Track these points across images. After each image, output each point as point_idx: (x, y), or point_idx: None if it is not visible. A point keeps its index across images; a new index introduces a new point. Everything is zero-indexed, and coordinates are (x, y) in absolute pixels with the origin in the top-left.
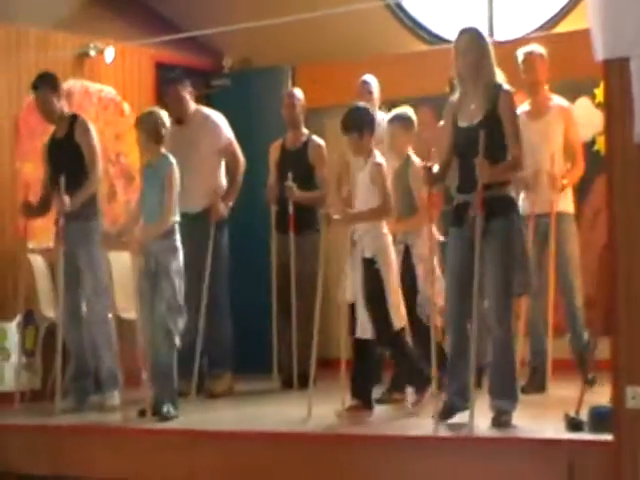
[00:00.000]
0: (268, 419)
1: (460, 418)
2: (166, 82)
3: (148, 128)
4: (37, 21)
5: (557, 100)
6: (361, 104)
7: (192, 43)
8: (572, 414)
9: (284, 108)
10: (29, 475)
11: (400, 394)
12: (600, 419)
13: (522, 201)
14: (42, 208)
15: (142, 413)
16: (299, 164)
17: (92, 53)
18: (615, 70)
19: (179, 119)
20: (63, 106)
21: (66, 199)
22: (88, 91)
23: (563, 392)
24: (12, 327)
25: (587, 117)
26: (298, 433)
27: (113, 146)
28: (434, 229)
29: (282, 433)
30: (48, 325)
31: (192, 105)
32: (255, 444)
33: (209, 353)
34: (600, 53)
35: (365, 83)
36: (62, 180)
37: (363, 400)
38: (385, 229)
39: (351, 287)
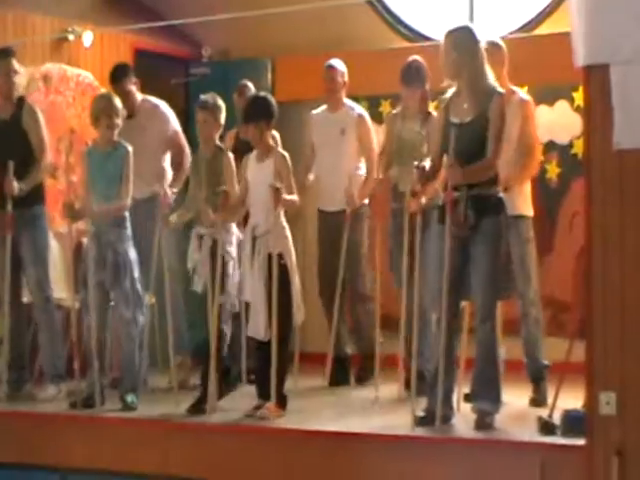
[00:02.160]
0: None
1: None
2: (111, 80)
3: (116, 113)
4: (15, 3)
5: (519, 94)
6: (262, 93)
7: (172, 31)
8: (545, 417)
9: (236, 100)
10: None
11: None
12: (573, 423)
13: None
14: None
15: (73, 405)
16: None
17: (71, 37)
18: (595, 77)
19: (128, 114)
20: (14, 85)
21: (15, 184)
22: (66, 75)
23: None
24: None
25: (565, 121)
26: (271, 428)
27: (90, 131)
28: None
29: (256, 427)
30: None
31: (139, 96)
32: (227, 437)
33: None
34: (581, 59)
35: (329, 68)
36: (10, 165)
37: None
38: (287, 225)
39: (249, 285)
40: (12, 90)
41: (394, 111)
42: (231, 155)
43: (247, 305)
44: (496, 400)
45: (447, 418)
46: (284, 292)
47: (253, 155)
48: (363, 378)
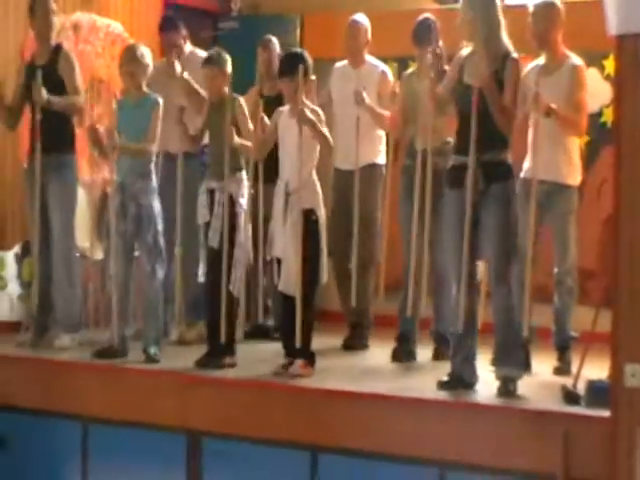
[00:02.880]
0: (247, 368)
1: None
2: (161, 30)
3: (136, 63)
4: None
5: (572, 59)
6: (298, 49)
7: None
8: (569, 387)
9: (260, 54)
10: (19, 407)
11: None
12: (598, 394)
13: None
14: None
15: (96, 354)
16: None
17: None
18: (628, 46)
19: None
20: (52, 26)
21: (43, 92)
22: (95, 25)
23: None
24: (10, 256)
25: (595, 88)
26: (292, 386)
27: (118, 82)
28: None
29: (275, 383)
30: None
31: (187, 47)
32: (247, 391)
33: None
34: (613, 27)
35: (353, 23)
36: (39, 74)
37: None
38: (317, 181)
39: (281, 241)
40: (50, 32)
41: (409, 71)
42: (242, 99)
43: (272, 261)
44: (519, 365)
45: (471, 384)
46: (315, 247)
47: (285, 110)
48: (352, 345)
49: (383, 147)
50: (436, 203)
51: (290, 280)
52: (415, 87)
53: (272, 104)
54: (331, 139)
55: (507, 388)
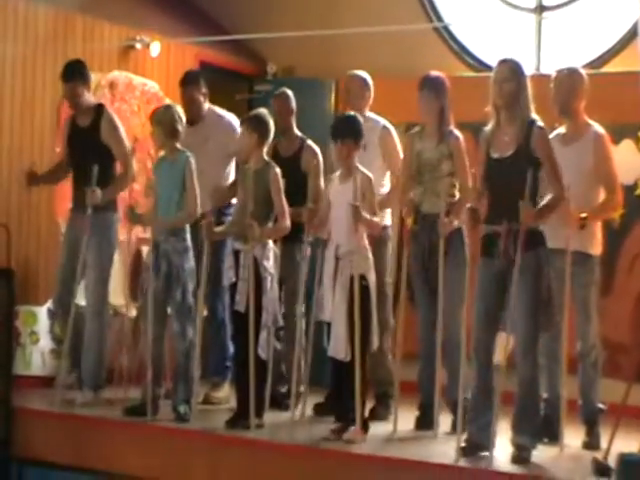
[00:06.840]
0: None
1: None
2: (181, 84)
3: (164, 123)
4: (83, 9)
5: (594, 127)
6: (351, 113)
7: (237, 46)
8: (601, 459)
9: (274, 111)
10: (50, 463)
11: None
12: (629, 467)
13: None
14: (50, 178)
15: (126, 412)
16: (293, 172)
17: (138, 46)
18: None
19: (192, 121)
20: (90, 97)
21: (98, 192)
22: (132, 84)
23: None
24: (42, 311)
25: (630, 160)
26: (320, 449)
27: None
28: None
29: (305, 447)
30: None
31: (205, 105)
32: (275, 454)
33: (209, 361)
34: None
35: (353, 77)
36: (95, 171)
37: (348, 422)
38: (369, 247)
39: (330, 305)
40: (82, 106)
41: (413, 130)
42: (278, 170)
43: (318, 324)
44: (534, 435)
45: (487, 449)
46: (365, 314)
47: (336, 175)
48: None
49: (388, 209)
50: (445, 268)
51: (340, 345)
52: (419, 148)
53: (288, 165)
54: (380, 224)
55: (521, 456)
